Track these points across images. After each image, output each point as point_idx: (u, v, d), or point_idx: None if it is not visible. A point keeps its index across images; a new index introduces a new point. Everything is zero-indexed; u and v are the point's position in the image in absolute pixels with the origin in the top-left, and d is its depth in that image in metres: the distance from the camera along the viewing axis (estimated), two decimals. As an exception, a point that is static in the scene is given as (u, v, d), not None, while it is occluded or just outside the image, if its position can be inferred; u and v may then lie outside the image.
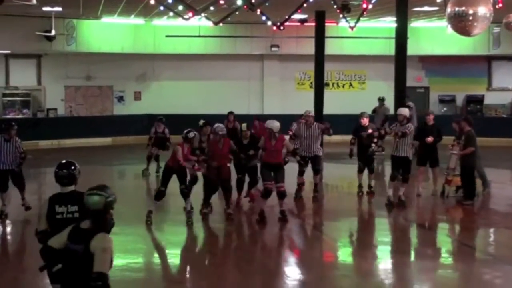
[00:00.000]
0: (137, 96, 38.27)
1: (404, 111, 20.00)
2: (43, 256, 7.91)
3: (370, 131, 20.84)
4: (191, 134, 18.02)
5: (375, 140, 20.95)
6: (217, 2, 23.67)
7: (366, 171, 21.47)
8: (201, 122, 20.12)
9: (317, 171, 20.86)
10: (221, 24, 28.36)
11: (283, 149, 18.12)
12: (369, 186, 21.73)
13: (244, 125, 20.09)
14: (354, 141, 21.60)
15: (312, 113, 21.50)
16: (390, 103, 26.80)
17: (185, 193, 17.74)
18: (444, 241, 17.50)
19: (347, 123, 35.45)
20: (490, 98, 38.40)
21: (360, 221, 19.48)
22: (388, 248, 16.39)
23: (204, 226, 17.76)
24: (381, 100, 31.88)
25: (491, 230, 17.89)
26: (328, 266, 14.88)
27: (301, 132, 20.76)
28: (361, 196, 21.26)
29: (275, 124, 18.09)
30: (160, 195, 17.61)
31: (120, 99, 38.37)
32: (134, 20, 35.68)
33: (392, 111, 27.73)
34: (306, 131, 20.62)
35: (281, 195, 17.75)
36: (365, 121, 21.46)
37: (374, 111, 31.54)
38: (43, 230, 9.01)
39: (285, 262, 14.93)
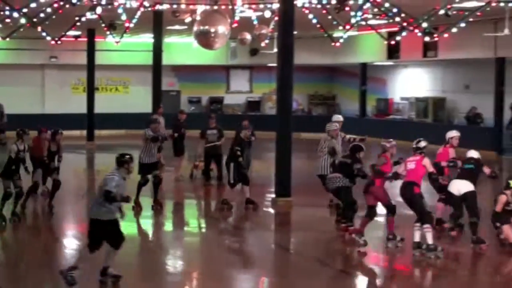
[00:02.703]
0: None
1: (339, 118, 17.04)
2: None
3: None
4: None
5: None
6: (3, 21, 22.77)
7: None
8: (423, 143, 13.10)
9: None
10: (8, 38, 27.19)
11: None
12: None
13: None
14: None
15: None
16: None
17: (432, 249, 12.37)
18: (193, 214, 17.59)
19: (114, 119, 35.47)
20: (229, 99, 39.08)
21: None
22: (150, 221, 16.30)
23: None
24: None
25: (235, 204, 17.57)
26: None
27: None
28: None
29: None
30: None
31: None
32: None
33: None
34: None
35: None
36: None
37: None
38: None
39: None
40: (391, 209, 13.19)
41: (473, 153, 13.69)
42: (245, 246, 13.96)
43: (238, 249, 13.70)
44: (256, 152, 21.08)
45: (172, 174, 21.29)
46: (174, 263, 12.75)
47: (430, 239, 12.44)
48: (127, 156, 10.80)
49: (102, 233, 10.64)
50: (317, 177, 16.04)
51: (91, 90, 32.48)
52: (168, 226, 16.13)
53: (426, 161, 12.68)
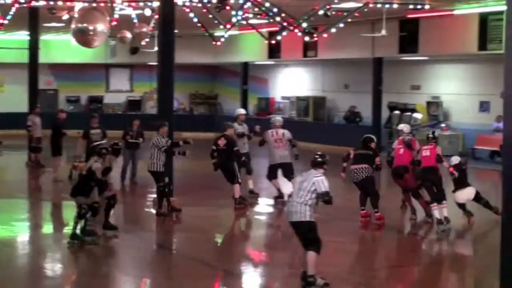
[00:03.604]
0: None
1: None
2: None
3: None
4: None
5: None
6: None
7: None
8: None
9: None
10: None
11: None
12: None
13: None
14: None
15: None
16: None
17: None
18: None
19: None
20: (108, 98, 38.70)
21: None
22: (27, 224, 15.94)
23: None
24: None
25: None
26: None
27: None
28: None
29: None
30: None
31: None
32: None
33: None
34: None
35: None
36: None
37: None
38: None
39: None
40: (420, 194, 15.22)
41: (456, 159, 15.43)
42: (127, 246, 13.84)
43: (119, 250, 13.58)
44: (137, 152, 20.99)
45: (51, 175, 20.95)
46: (53, 266, 12.53)
47: (446, 213, 14.60)
48: (325, 157, 10.65)
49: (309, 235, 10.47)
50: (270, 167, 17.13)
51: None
52: (47, 228, 15.80)
53: (439, 149, 15.02)
